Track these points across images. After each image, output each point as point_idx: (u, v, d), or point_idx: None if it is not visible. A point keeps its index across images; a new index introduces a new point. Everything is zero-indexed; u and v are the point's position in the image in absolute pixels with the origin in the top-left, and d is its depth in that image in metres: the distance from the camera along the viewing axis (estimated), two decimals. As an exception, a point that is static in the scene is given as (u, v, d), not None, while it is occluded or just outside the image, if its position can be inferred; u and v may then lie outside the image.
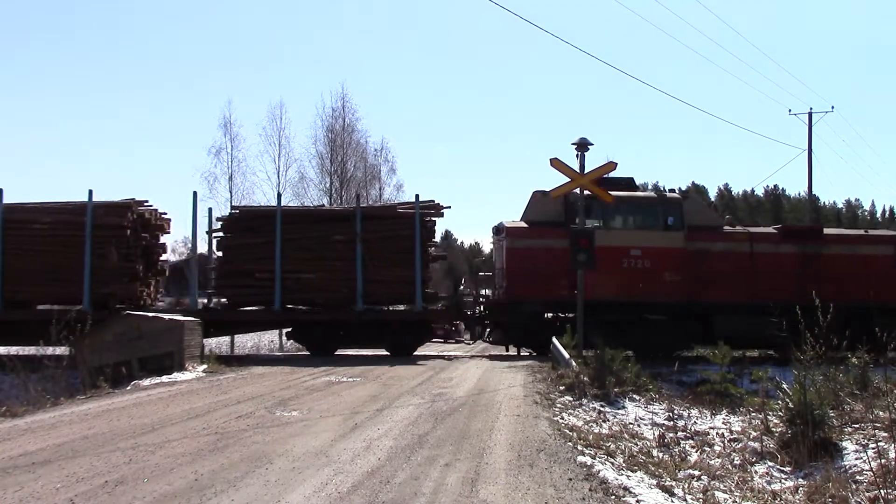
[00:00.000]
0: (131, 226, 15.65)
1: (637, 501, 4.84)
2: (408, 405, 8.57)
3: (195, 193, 18.19)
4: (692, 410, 9.42)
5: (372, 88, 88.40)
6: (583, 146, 13.87)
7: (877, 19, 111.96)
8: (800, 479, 6.08)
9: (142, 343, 11.86)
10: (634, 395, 9.98)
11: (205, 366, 12.51)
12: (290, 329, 17.18)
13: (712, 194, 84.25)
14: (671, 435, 7.55)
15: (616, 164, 15.67)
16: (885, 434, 6.54)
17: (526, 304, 15.44)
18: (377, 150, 36.45)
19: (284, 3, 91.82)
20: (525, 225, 16.10)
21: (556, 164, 13.71)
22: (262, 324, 17.73)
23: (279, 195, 15.94)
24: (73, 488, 4.83)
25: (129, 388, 10.18)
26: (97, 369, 11.05)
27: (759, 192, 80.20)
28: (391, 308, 16.86)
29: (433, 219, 16.45)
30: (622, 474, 5.54)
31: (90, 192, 15.78)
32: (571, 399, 9.27)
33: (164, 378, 10.92)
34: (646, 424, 8.21)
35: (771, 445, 6.97)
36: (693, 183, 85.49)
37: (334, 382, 10.84)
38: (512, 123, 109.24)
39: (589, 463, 5.73)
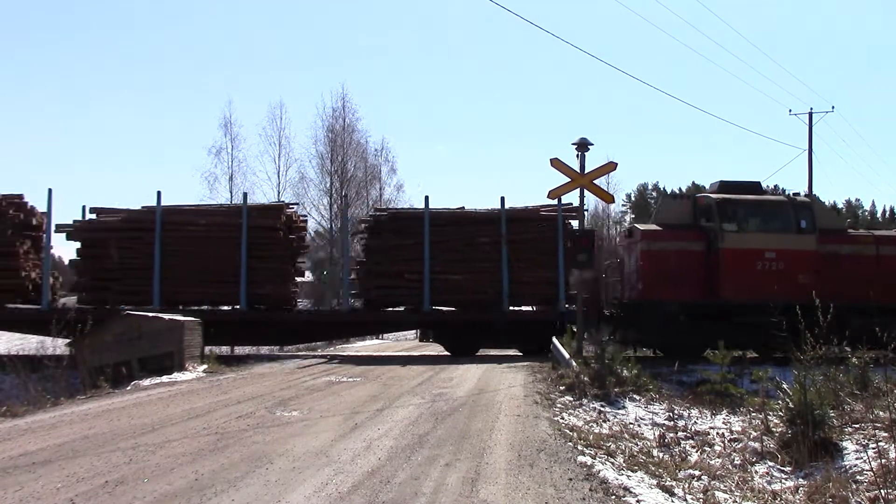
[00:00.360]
0: (283, 228, 16.07)
1: (637, 501, 4.84)
2: (408, 405, 8.57)
3: (346, 196, 18.12)
4: (692, 410, 9.41)
5: (372, 88, 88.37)
6: (583, 146, 13.90)
7: (877, 19, 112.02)
8: (800, 479, 6.08)
9: (142, 343, 11.86)
10: (635, 395, 9.97)
11: (205, 366, 12.52)
12: (425, 330, 17.28)
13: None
14: (671, 435, 7.55)
15: (616, 164, 15.75)
16: (886, 434, 6.54)
17: (662, 306, 15.57)
18: (377, 150, 36.58)
19: (284, 3, 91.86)
20: (659, 228, 16.35)
21: (556, 163, 13.72)
22: (408, 324, 17.91)
23: (427, 198, 15.97)
24: (73, 488, 4.83)
25: (129, 388, 10.19)
26: (97, 369, 11.06)
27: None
28: (535, 309, 17.07)
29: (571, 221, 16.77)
30: (622, 474, 5.54)
31: (245, 195, 16.45)
32: (572, 399, 9.27)
33: (164, 378, 10.93)
34: (646, 424, 8.20)
35: (771, 445, 6.97)
36: (693, 183, 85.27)
37: (334, 382, 10.85)
38: (512, 123, 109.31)
39: (589, 463, 5.73)
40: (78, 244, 16.39)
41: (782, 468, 6.45)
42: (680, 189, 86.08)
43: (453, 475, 5.27)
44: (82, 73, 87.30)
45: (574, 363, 11.22)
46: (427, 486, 4.97)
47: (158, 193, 16.18)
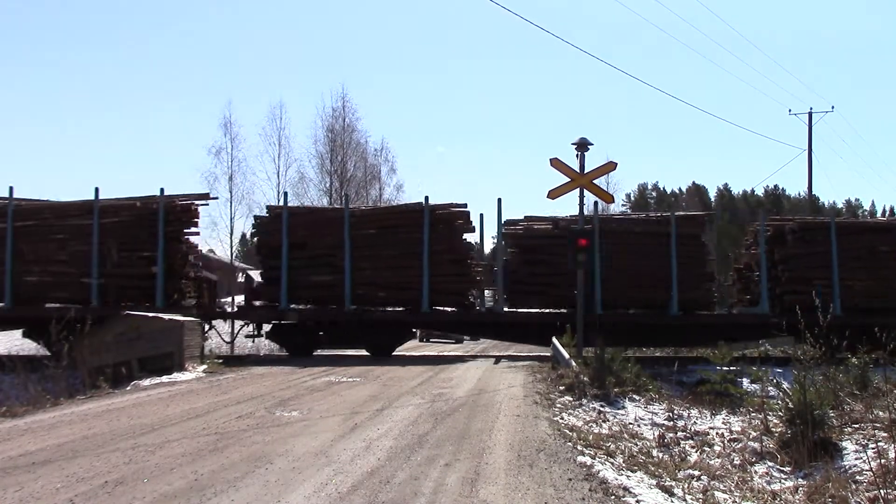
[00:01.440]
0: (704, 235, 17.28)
1: (637, 501, 4.84)
2: (408, 405, 8.57)
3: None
4: (692, 410, 9.41)
5: (372, 88, 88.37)
6: (583, 146, 13.90)
7: (877, 19, 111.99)
8: (800, 479, 6.08)
9: (141, 343, 11.87)
10: (634, 396, 9.97)
11: (205, 366, 12.52)
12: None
13: (712, 194, 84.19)
14: (671, 435, 7.55)
15: (616, 163, 15.77)
16: (885, 434, 6.55)
17: None
18: (377, 150, 36.57)
19: (284, 3, 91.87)
20: None
21: (556, 163, 13.72)
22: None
23: (840, 209, 17.10)
24: (73, 488, 4.83)
25: (129, 388, 10.18)
26: (97, 369, 11.05)
27: (759, 192, 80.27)
28: None
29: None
30: (622, 474, 5.54)
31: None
32: (571, 399, 9.26)
33: (164, 378, 10.93)
34: (646, 424, 8.20)
35: (771, 445, 6.97)
36: (693, 183, 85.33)
37: (334, 382, 10.85)
38: (512, 123, 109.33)
39: (589, 463, 5.73)
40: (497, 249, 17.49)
41: (782, 468, 6.45)
42: (679, 189, 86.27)
43: (453, 475, 5.27)
44: (82, 72, 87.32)
45: (574, 363, 11.21)
46: (427, 486, 4.97)
47: (596, 204, 17.06)
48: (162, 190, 16.82)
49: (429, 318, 17.01)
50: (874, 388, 9.00)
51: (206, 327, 16.79)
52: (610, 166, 15.96)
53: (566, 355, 12.10)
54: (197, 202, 17.29)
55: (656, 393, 10.55)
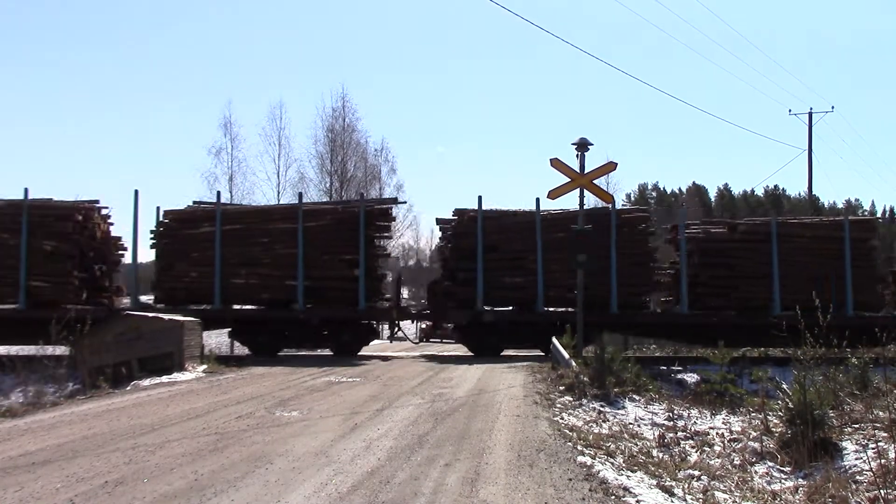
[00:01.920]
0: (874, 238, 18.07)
1: (637, 501, 4.84)
2: (408, 405, 8.57)
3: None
4: (692, 410, 9.41)
5: (372, 88, 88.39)
6: (583, 146, 13.88)
7: (877, 19, 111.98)
8: (800, 479, 6.08)
9: (141, 343, 11.86)
10: (634, 395, 9.97)
11: (205, 366, 12.51)
12: None
13: (712, 194, 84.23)
14: (671, 435, 7.55)
15: (616, 163, 15.73)
16: (885, 434, 6.54)
17: None
18: (377, 150, 36.54)
19: (284, 3, 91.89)
20: None
21: (556, 164, 13.70)
22: None
23: None
24: (73, 488, 4.83)
25: (128, 388, 10.19)
26: (97, 369, 11.06)
27: (759, 192, 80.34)
28: None
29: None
30: (622, 474, 5.53)
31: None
32: (571, 399, 9.26)
33: (164, 378, 10.93)
34: (646, 424, 8.20)
35: (771, 445, 6.97)
36: (693, 183, 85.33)
37: (334, 383, 10.85)
38: (512, 123, 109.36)
39: (589, 463, 5.73)
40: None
41: (782, 468, 6.44)
42: (679, 189, 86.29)
43: (453, 475, 5.27)
44: (82, 72, 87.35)
45: (574, 363, 11.21)
46: (427, 486, 4.98)
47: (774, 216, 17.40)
48: (362, 195, 19.14)
49: (617, 320, 17.17)
50: (874, 388, 8.99)
51: (396, 328, 18.47)
52: (610, 166, 15.93)
53: (566, 355, 12.09)
54: (392, 206, 18.46)
55: (656, 393, 10.55)
